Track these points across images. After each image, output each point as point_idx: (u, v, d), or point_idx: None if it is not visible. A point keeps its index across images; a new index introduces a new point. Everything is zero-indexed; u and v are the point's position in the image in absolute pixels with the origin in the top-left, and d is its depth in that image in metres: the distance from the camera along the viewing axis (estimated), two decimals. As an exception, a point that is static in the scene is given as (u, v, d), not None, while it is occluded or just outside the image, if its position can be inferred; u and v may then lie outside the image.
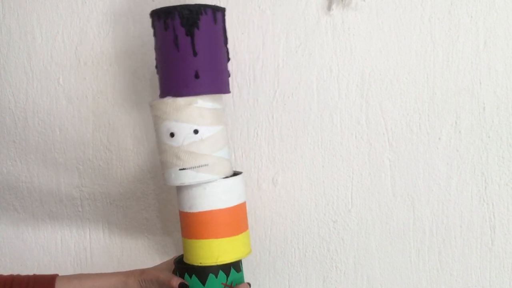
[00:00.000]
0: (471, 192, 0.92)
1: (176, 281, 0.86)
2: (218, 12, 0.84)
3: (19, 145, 1.12)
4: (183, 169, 0.82)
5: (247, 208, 0.91)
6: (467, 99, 0.90)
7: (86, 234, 1.12)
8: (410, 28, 0.91)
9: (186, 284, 0.85)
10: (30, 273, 0.91)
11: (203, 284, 0.85)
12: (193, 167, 0.82)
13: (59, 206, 1.12)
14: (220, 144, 0.85)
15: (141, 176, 1.07)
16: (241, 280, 0.89)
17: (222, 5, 0.99)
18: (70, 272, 1.11)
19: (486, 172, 0.91)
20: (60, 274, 0.91)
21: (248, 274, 0.99)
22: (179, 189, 0.86)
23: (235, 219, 0.86)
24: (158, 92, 1.04)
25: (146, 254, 1.09)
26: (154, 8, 1.02)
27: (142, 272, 0.91)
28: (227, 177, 0.86)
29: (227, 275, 0.86)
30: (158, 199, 1.07)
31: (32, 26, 1.09)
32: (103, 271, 1.11)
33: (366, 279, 0.97)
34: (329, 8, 0.94)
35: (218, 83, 0.85)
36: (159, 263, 1.07)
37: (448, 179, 0.92)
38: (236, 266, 0.88)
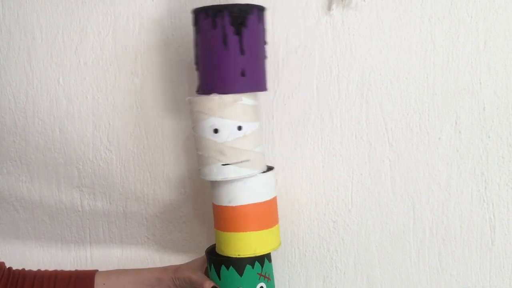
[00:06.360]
0: (471, 192, 0.92)
1: (208, 284, 0.87)
2: (261, 12, 0.86)
3: (19, 145, 1.12)
4: (226, 164, 0.84)
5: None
6: (467, 99, 0.90)
7: (86, 234, 1.12)
8: (410, 28, 0.91)
9: None
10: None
11: (241, 275, 0.86)
12: (236, 163, 0.84)
13: (59, 206, 1.12)
14: (259, 139, 0.87)
15: (141, 176, 1.07)
16: (271, 270, 0.91)
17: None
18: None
19: (486, 172, 0.91)
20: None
21: (248, 274, 0.99)
22: (217, 184, 0.87)
23: (271, 212, 0.89)
24: (158, 91, 1.04)
25: (146, 254, 1.09)
26: (155, 7, 1.02)
27: (176, 269, 0.92)
28: (264, 171, 0.88)
29: (262, 265, 0.88)
30: (158, 199, 1.07)
31: (32, 26, 1.09)
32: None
33: (366, 279, 0.97)
34: (329, 8, 0.94)
35: (260, 81, 0.87)
36: (158, 262, 1.08)
37: (448, 179, 0.92)
38: (268, 256, 0.91)
